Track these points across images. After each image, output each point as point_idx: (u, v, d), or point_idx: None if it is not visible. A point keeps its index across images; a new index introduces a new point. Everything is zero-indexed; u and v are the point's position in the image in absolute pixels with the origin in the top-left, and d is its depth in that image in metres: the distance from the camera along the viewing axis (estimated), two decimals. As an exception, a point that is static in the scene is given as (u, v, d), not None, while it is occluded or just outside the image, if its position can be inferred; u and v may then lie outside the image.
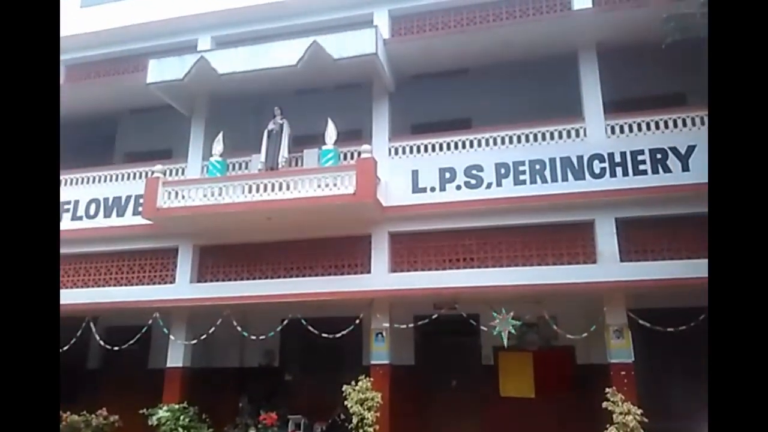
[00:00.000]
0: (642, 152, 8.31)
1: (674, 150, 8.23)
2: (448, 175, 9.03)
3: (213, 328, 9.12)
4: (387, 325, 8.76)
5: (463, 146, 9.18)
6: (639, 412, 7.28)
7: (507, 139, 9.02)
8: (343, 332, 8.76)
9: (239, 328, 9.13)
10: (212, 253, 9.77)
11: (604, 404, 7.48)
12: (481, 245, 8.79)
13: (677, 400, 8.68)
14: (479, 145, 9.12)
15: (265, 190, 8.80)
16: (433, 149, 9.28)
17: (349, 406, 8.04)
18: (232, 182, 9.12)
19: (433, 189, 9.01)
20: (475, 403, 9.80)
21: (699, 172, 8.03)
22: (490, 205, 8.67)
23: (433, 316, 8.79)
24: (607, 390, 7.58)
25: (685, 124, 8.42)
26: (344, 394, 8.16)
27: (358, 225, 9.04)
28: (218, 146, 9.73)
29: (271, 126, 9.71)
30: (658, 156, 8.24)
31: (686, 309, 7.91)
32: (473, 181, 8.90)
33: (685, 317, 7.80)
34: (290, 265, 9.30)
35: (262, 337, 9.28)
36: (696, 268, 7.73)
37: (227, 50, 9.73)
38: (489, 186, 8.81)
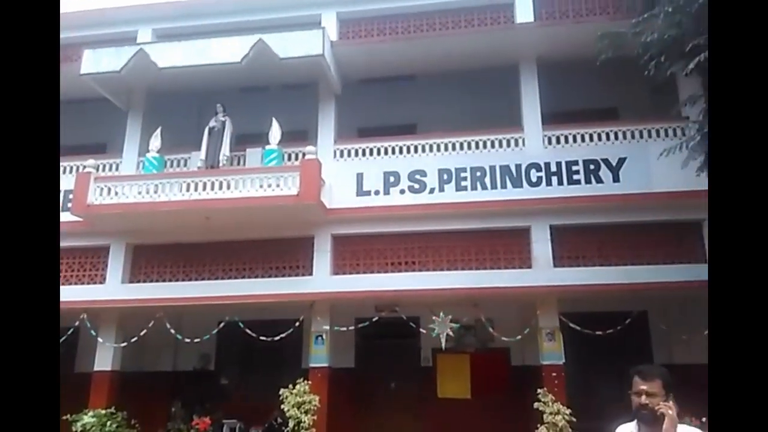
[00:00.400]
0: (576, 163, 8.69)
1: (606, 161, 8.65)
2: (392, 179, 9.10)
3: (144, 331, 8.77)
4: (327, 327, 8.71)
5: (408, 151, 9.29)
6: (568, 412, 7.58)
7: (450, 146, 9.21)
8: (282, 335, 8.64)
9: (173, 331, 8.82)
10: (146, 253, 9.40)
11: (536, 404, 7.74)
12: (422, 249, 8.91)
13: (604, 400, 9.08)
14: (423, 150, 9.26)
15: (204, 188, 8.56)
16: (379, 153, 9.34)
17: (286, 409, 7.93)
18: (170, 179, 8.82)
19: (377, 192, 9.07)
20: (413, 405, 9.91)
21: (628, 182, 8.51)
22: (432, 209, 8.81)
23: (374, 319, 8.84)
24: (539, 391, 7.84)
25: (616, 137, 8.87)
26: (281, 398, 8.04)
27: (301, 227, 8.96)
28: (156, 142, 9.39)
29: (212, 123, 9.48)
30: (591, 167, 8.65)
31: (613, 313, 8.37)
32: (417, 186, 9.02)
33: (612, 321, 8.23)
34: (229, 266, 9.09)
35: (197, 340, 9.01)
36: (624, 275, 8.21)
37: (169, 44, 9.41)
38: (432, 191, 8.96)
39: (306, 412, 7.88)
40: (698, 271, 8.09)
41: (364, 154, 9.36)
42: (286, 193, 8.40)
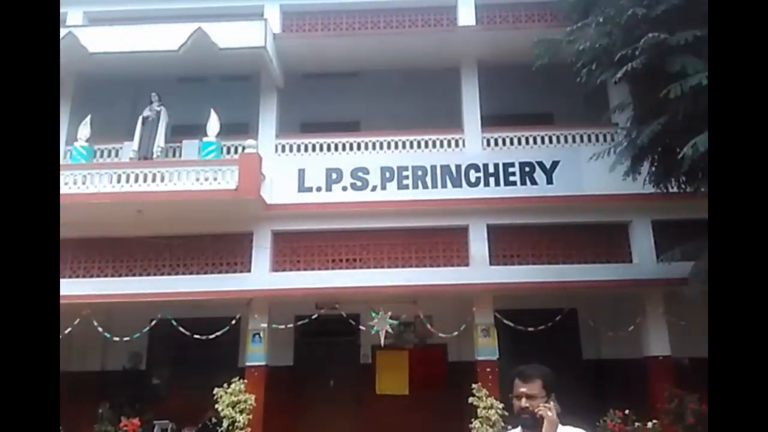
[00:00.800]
0: (513, 165, 8.95)
1: (541, 164, 8.96)
2: (334, 175, 9.06)
3: (69, 329, 8.30)
4: (265, 325, 8.58)
5: (351, 148, 9.28)
6: (501, 406, 7.79)
7: (393, 144, 9.28)
8: (218, 333, 8.42)
9: (100, 329, 8.41)
10: (72, 247, 8.84)
11: (471, 399, 7.93)
12: (363, 246, 8.93)
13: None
14: (366, 148, 9.28)
15: (137, 180, 8.22)
16: (321, 149, 9.27)
17: (220, 409, 7.75)
18: (99, 170, 8.40)
19: (319, 189, 9.00)
20: (351, 402, 9.91)
21: (561, 185, 8.85)
22: (374, 207, 8.84)
23: (314, 316, 8.79)
24: (474, 386, 8.04)
25: (551, 141, 9.20)
26: (216, 397, 7.85)
27: (239, 222, 8.77)
28: (85, 130, 8.91)
29: (146, 112, 9.10)
30: (527, 169, 8.93)
31: (545, 310, 8.72)
32: (359, 183, 9.02)
33: (543, 318, 8.56)
34: (162, 262, 8.75)
35: (126, 339, 8.65)
36: (556, 273, 8.54)
37: (101, 28, 8.96)
38: (374, 189, 8.99)
39: (241, 412, 7.74)
40: (624, 271, 8.57)
41: (306, 149, 9.27)
42: (224, 187, 8.19)
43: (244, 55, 8.70)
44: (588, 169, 8.45)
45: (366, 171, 9.07)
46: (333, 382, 10.16)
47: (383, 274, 8.63)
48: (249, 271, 8.69)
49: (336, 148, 9.27)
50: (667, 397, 7.85)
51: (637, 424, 7.64)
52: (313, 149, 9.27)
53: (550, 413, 2.22)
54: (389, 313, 8.51)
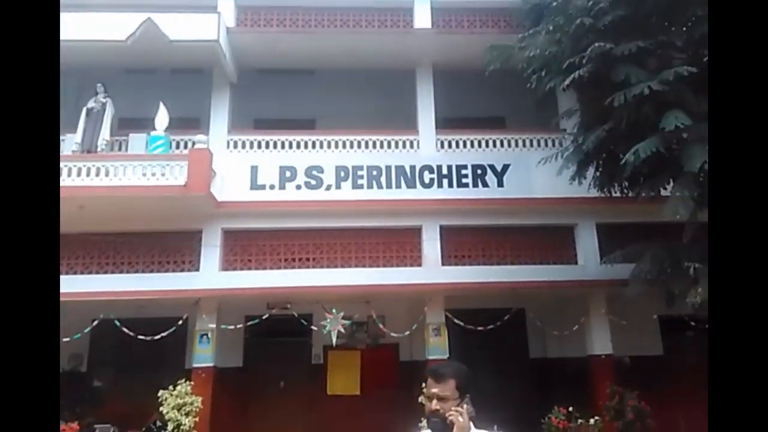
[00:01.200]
0: (466, 167, 9.09)
1: (492, 167, 9.14)
2: (288, 173, 8.95)
3: (2, 330, 7.87)
4: (213, 326, 8.40)
5: (306, 146, 9.19)
6: (449, 404, 7.89)
7: (348, 144, 9.25)
8: (163, 334, 8.17)
9: (37, 330, 8.00)
10: (7, 243, 8.44)
11: (420, 398, 7.99)
12: (317, 246, 8.87)
13: (484, 393, 9.61)
14: (321, 146, 9.22)
15: (79, 174, 7.87)
16: (275, 146, 9.15)
17: (165, 412, 7.52)
18: (38, 163, 7.99)
19: (272, 187, 8.87)
20: (302, 403, 9.81)
21: (512, 187, 9.06)
22: (328, 206, 8.80)
23: (264, 317, 8.66)
24: (423, 385, 8.09)
25: (502, 144, 9.41)
26: (161, 400, 7.61)
27: (188, 219, 8.54)
28: (23, 121, 8.46)
29: (91, 104, 8.73)
30: (479, 171, 9.10)
31: (494, 310, 8.90)
32: (313, 182, 8.94)
33: (492, 317, 8.74)
34: (105, 260, 8.42)
35: (66, 339, 8.23)
36: (505, 273, 8.73)
37: (42, 13, 8.51)
38: (328, 188, 8.94)
39: (187, 414, 7.53)
40: (570, 272, 8.86)
41: (259, 146, 9.13)
42: (173, 183, 7.95)
43: (196, 48, 8.49)
44: (537, 172, 8.68)
45: (321, 170, 9.01)
46: (284, 383, 10.02)
47: (336, 274, 8.60)
48: (197, 270, 8.47)
49: (290, 146, 9.16)
50: (609, 394, 8.16)
51: (580, 420, 7.90)
52: (267, 146, 9.14)
53: (461, 419, 2.01)
54: (342, 313, 8.48)
